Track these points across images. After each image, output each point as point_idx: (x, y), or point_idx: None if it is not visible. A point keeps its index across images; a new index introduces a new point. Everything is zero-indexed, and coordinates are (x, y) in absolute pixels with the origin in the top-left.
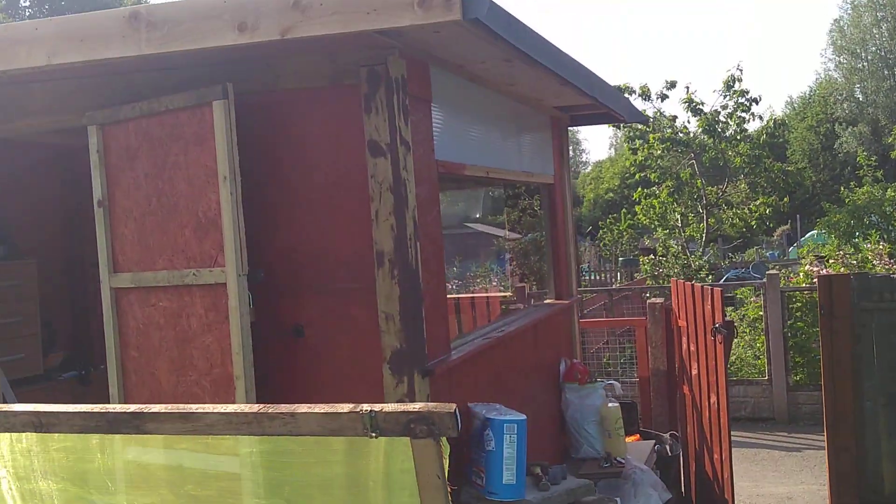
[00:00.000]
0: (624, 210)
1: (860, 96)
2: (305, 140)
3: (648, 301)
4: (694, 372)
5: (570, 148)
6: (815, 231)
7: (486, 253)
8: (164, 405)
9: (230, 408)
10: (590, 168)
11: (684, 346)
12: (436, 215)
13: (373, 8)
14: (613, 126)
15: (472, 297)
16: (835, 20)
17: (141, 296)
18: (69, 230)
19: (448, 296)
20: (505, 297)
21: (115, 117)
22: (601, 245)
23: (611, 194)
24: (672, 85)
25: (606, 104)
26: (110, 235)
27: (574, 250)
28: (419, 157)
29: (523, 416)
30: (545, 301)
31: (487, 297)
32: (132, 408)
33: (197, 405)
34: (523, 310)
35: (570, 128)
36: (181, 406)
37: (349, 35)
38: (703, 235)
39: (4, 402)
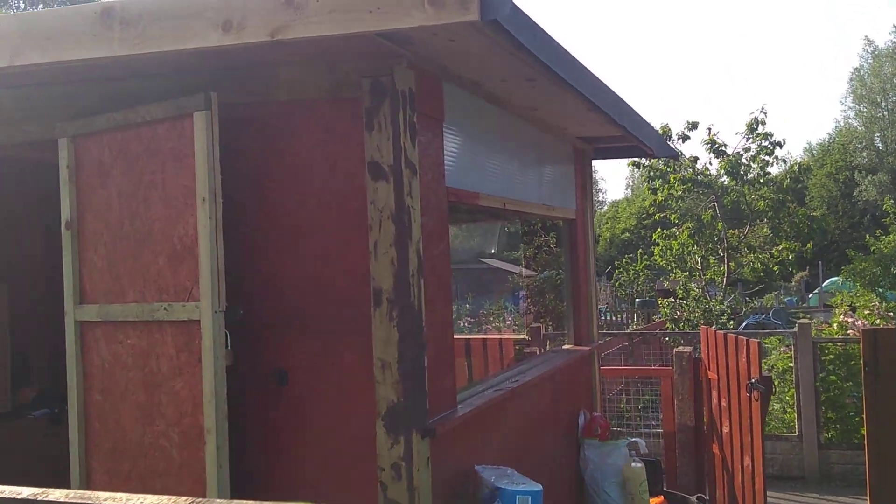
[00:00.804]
0: (640, 250)
1: (880, 145)
2: (298, 159)
3: (675, 350)
4: (725, 430)
5: None
6: (839, 278)
7: (500, 290)
8: (64, 491)
9: (150, 499)
10: (606, 207)
11: (715, 400)
12: (444, 249)
13: (376, 6)
14: (633, 164)
15: (485, 339)
16: (855, 69)
17: (108, 331)
18: (48, 253)
19: (458, 336)
20: (519, 338)
21: (89, 129)
22: (617, 285)
23: (627, 234)
24: (694, 126)
25: (636, 135)
26: (78, 262)
27: (595, 292)
28: (427, 182)
29: (539, 487)
30: (564, 347)
31: (500, 338)
32: (25, 493)
33: (107, 494)
34: (539, 356)
35: (594, 160)
36: (86, 494)
37: (350, 40)
38: (724, 279)
39: None
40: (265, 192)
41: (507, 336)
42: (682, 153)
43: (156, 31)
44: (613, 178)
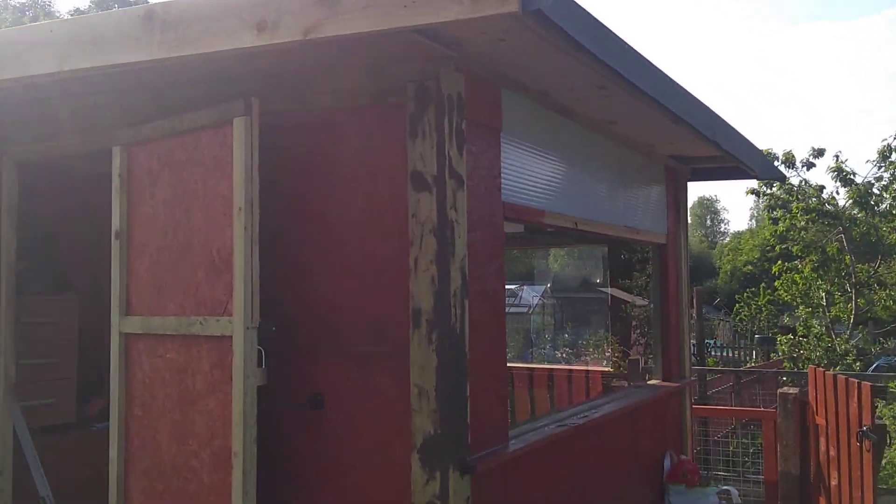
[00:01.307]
0: (763, 285)
1: None
2: (340, 170)
3: (780, 391)
4: (833, 482)
5: (708, 218)
6: None
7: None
8: None
9: None
10: (728, 238)
11: (822, 448)
12: (497, 268)
13: (411, 1)
14: (752, 192)
15: (569, 370)
16: None
17: (150, 344)
18: None
19: (539, 366)
20: (608, 371)
21: (139, 137)
22: (737, 320)
23: (749, 267)
24: (819, 153)
25: (734, 153)
26: (126, 272)
27: (687, 322)
28: (478, 195)
29: None
30: (649, 382)
31: (587, 370)
32: None
33: None
34: (620, 391)
35: (691, 182)
36: None
37: (394, 42)
38: (851, 317)
39: (20, 450)
40: (306, 204)
41: (594, 368)
42: (806, 182)
43: (194, 32)
44: (737, 208)
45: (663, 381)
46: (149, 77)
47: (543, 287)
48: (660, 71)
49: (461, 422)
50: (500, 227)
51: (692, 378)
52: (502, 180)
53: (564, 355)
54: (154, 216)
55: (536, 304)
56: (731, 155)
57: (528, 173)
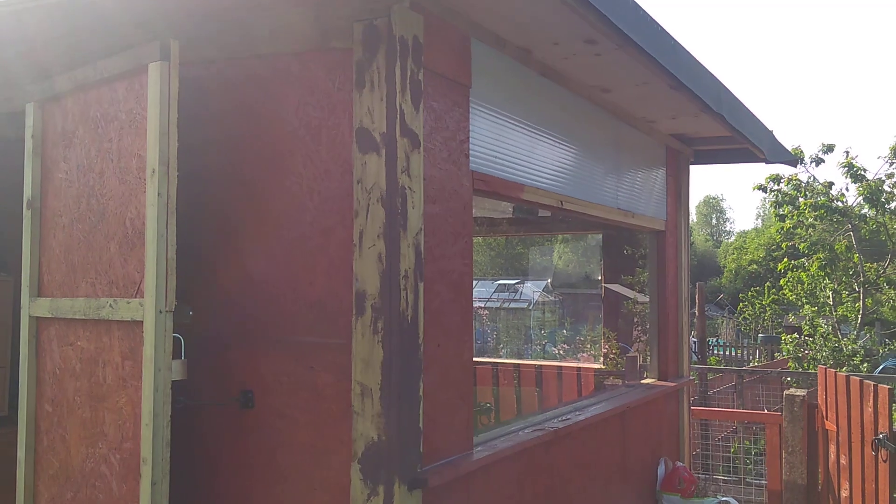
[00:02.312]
0: (768, 284)
1: None
2: (277, 127)
3: (786, 393)
4: (844, 493)
5: (713, 217)
6: None
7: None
8: None
9: None
10: (733, 238)
11: (832, 456)
12: (463, 248)
13: None
14: (760, 188)
15: (559, 367)
16: None
17: (61, 330)
18: None
19: (528, 362)
20: (602, 368)
21: (53, 91)
22: (740, 319)
23: (754, 266)
24: (829, 148)
25: (740, 129)
26: (38, 247)
27: (686, 318)
28: (439, 160)
29: None
30: (643, 381)
31: (579, 367)
32: None
33: None
34: (610, 391)
35: (695, 165)
36: None
37: None
38: (859, 317)
39: None
40: (238, 167)
41: (587, 365)
42: (814, 178)
43: None
44: (742, 206)
45: (658, 380)
46: (62, 24)
47: (545, 282)
48: (658, 25)
49: (412, 427)
50: (467, 200)
51: (690, 378)
52: (471, 146)
53: (562, 352)
54: (69, 182)
55: (537, 300)
56: (738, 131)
57: (505, 141)
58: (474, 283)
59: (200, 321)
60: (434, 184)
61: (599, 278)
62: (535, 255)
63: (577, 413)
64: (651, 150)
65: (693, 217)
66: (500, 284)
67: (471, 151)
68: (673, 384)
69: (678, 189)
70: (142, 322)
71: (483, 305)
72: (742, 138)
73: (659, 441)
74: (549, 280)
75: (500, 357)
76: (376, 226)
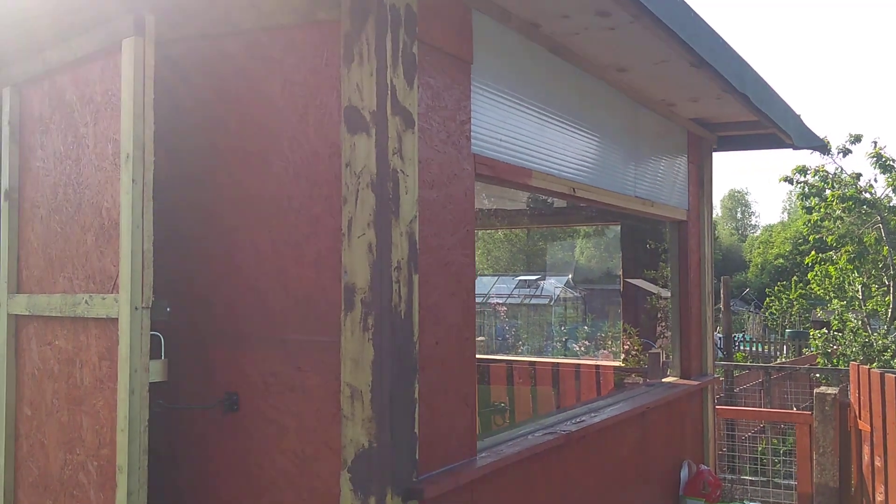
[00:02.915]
0: (795, 278)
1: None
2: (262, 108)
3: (817, 391)
4: (879, 497)
5: (739, 211)
6: None
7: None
8: None
9: None
10: (759, 231)
11: (866, 458)
12: (464, 238)
13: None
14: (786, 180)
15: (577, 365)
16: None
17: (39, 329)
18: None
19: (545, 360)
20: (622, 366)
21: (29, 73)
22: (767, 314)
23: (781, 260)
24: (857, 139)
25: (765, 112)
26: (16, 240)
27: (711, 313)
28: (437, 142)
29: None
30: (665, 380)
31: (597, 364)
32: None
33: None
34: (628, 390)
35: (718, 153)
36: None
37: None
38: (889, 311)
39: None
40: (222, 152)
41: (606, 362)
42: (842, 169)
43: None
44: (768, 200)
45: (681, 378)
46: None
47: (566, 277)
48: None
49: (406, 432)
50: (468, 185)
51: (715, 375)
52: (473, 127)
53: (582, 348)
54: (46, 171)
55: (558, 295)
56: (763, 114)
57: (512, 123)
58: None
59: (182, 318)
60: (431, 167)
61: (619, 274)
62: (556, 251)
63: (593, 414)
64: (672, 136)
65: (717, 211)
66: (520, 280)
67: (473, 133)
68: (696, 382)
69: (701, 177)
70: (117, 319)
71: (501, 302)
72: (768, 122)
73: (682, 443)
74: (571, 275)
75: (519, 355)
76: (366, 213)
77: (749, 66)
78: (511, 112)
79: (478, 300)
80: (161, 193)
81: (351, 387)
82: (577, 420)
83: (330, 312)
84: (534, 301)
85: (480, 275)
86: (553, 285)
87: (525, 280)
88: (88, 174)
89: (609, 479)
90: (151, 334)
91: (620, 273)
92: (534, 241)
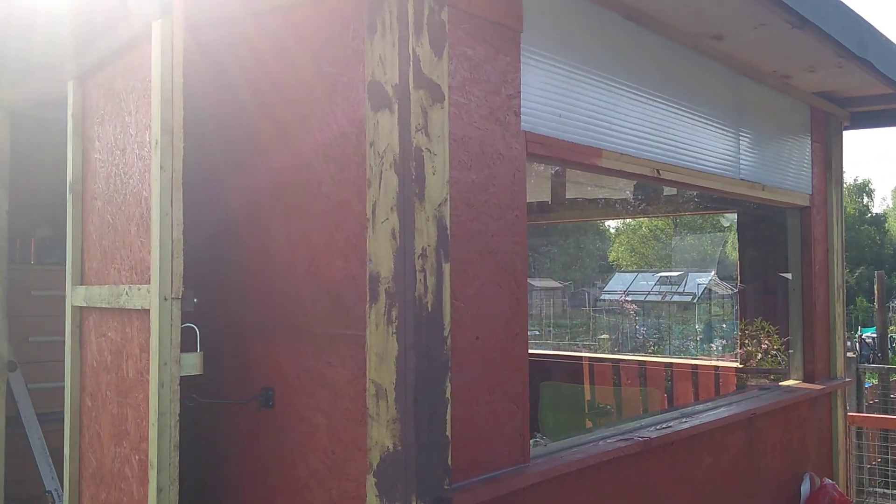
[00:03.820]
0: None
1: None
2: (293, 87)
3: None
4: None
5: None
6: None
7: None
8: None
9: None
10: None
11: None
12: (512, 225)
13: None
14: None
15: (694, 365)
16: None
17: (97, 320)
18: None
19: (659, 359)
20: (752, 367)
21: (85, 66)
22: None
23: None
24: None
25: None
26: (80, 232)
27: (842, 309)
28: (477, 118)
29: None
30: (784, 383)
31: (717, 365)
32: None
33: None
34: (734, 394)
35: (851, 130)
36: None
37: None
38: None
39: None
40: (254, 135)
41: (728, 363)
42: None
43: None
44: None
45: (804, 381)
46: None
47: (710, 274)
48: None
49: (435, 435)
50: (518, 166)
51: (847, 379)
52: (524, 102)
53: (720, 348)
54: (101, 163)
55: (703, 292)
56: (894, 82)
57: (574, 97)
58: (633, 275)
59: (220, 309)
60: (469, 146)
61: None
62: (705, 245)
63: (683, 420)
64: (789, 112)
65: (889, 202)
66: (661, 276)
67: (524, 109)
68: (821, 387)
69: (828, 157)
70: (150, 310)
71: (634, 299)
72: None
73: (803, 453)
74: (714, 271)
75: (649, 355)
76: (389, 196)
77: (869, 25)
78: (574, 85)
79: (613, 298)
80: (198, 183)
81: (376, 384)
82: (664, 426)
83: (358, 304)
84: (676, 298)
85: (620, 271)
86: (697, 281)
87: (666, 276)
88: (132, 163)
89: (704, 492)
90: (186, 326)
91: (738, 266)
92: (681, 235)
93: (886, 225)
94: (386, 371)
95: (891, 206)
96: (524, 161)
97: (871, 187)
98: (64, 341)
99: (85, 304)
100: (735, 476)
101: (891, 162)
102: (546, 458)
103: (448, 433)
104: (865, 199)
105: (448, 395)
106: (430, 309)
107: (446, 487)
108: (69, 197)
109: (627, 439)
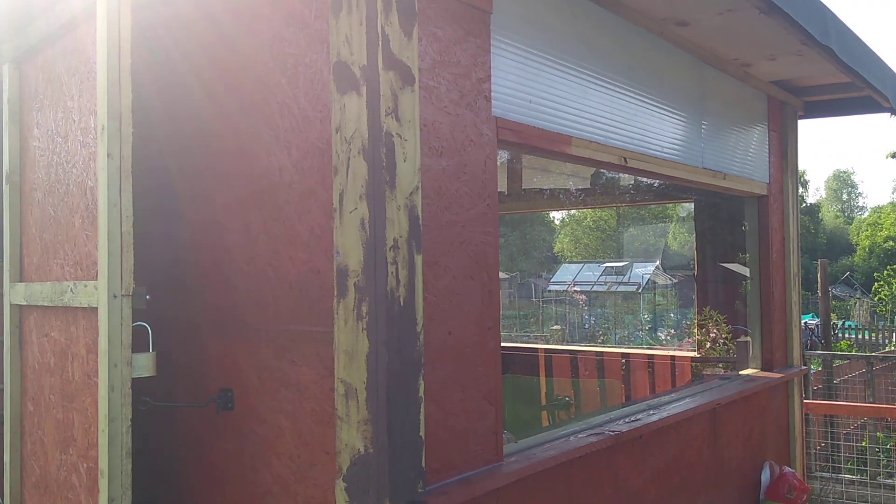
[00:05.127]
0: None
1: None
2: (250, 69)
3: None
4: None
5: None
6: None
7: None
8: None
9: None
10: (867, 213)
11: None
12: (483, 214)
13: None
14: (893, 157)
15: (650, 356)
16: None
17: (39, 319)
18: None
19: (611, 350)
20: (708, 355)
21: (23, 48)
22: (876, 300)
23: (891, 243)
24: None
25: (858, 70)
26: (18, 225)
27: (798, 298)
28: (447, 103)
29: None
30: (743, 372)
31: (673, 354)
32: None
33: None
34: (697, 384)
35: (805, 119)
36: None
37: None
38: None
39: None
40: (209, 121)
41: (683, 352)
42: None
43: None
44: (876, 179)
45: (762, 370)
46: None
47: (654, 264)
48: None
49: (408, 436)
50: (488, 153)
51: (803, 367)
52: (494, 87)
53: (668, 337)
54: (41, 151)
55: (647, 282)
56: (854, 71)
57: (544, 83)
58: (579, 266)
59: (174, 307)
60: (440, 132)
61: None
62: (647, 236)
63: (651, 412)
64: (748, 101)
65: (822, 193)
66: (607, 267)
67: (494, 93)
68: (779, 375)
69: (784, 147)
70: (97, 308)
71: (581, 289)
72: (860, 81)
73: (762, 442)
74: (659, 261)
75: (599, 345)
76: (358, 184)
77: (833, 14)
78: (543, 70)
79: (559, 288)
80: (147, 172)
81: (345, 383)
82: (632, 419)
83: (323, 299)
84: (621, 288)
85: (566, 262)
86: (641, 272)
87: (612, 267)
88: (75, 151)
89: (672, 484)
90: (138, 325)
91: (695, 255)
92: (625, 226)
93: (820, 214)
94: (356, 369)
95: (824, 196)
96: (495, 148)
97: (806, 178)
98: (2, 342)
99: (25, 303)
100: (700, 467)
101: (824, 153)
102: (519, 457)
103: (422, 433)
104: (801, 190)
105: (421, 393)
106: (402, 303)
107: (420, 490)
108: (5, 188)
109: (599, 434)
